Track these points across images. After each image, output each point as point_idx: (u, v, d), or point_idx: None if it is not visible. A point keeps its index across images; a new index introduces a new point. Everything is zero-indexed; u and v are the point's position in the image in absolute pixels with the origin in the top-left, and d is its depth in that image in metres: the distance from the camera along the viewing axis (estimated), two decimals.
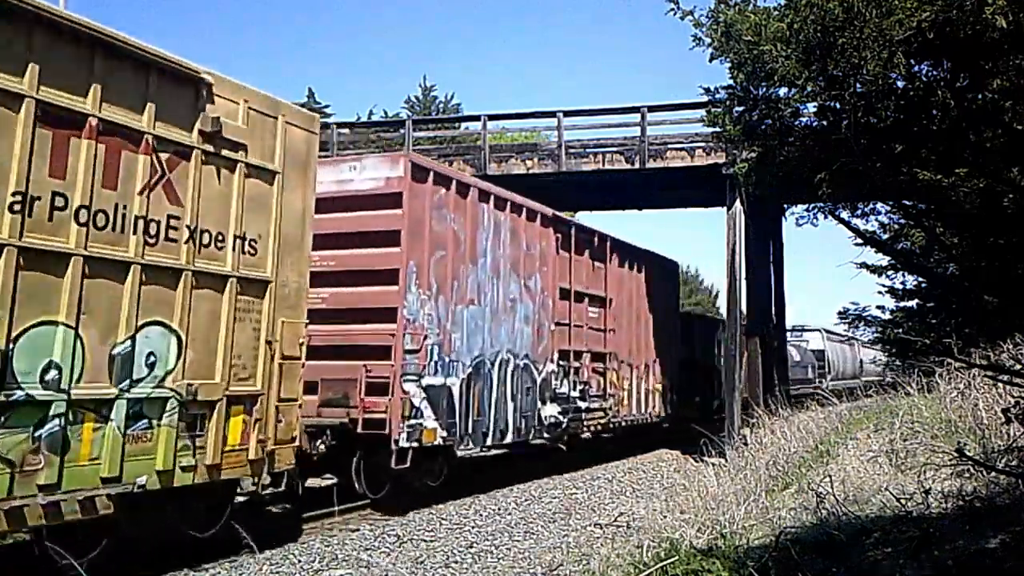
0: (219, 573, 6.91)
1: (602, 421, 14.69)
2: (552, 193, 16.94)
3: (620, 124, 17.23)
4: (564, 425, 13.20)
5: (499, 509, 10.26)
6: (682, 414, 18.53)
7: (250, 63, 77.63)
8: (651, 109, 16.79)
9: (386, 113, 39.43)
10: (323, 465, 9.63)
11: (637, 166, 16.53)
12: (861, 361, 37.72)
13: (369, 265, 9.72)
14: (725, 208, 16.35)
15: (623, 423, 15.76)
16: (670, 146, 16.54)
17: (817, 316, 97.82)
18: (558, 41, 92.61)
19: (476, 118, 18.89)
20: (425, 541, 8.35)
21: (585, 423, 14.03)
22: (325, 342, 9.39)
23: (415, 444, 9.57)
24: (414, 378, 9.67)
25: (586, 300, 14.16)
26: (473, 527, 9.14)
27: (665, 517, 6.98)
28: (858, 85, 5.11)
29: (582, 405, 13.81)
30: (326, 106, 37.76)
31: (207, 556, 7.11)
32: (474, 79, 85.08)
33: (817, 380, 29.52)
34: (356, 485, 9.38)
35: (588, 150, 17.08)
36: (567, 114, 17.38)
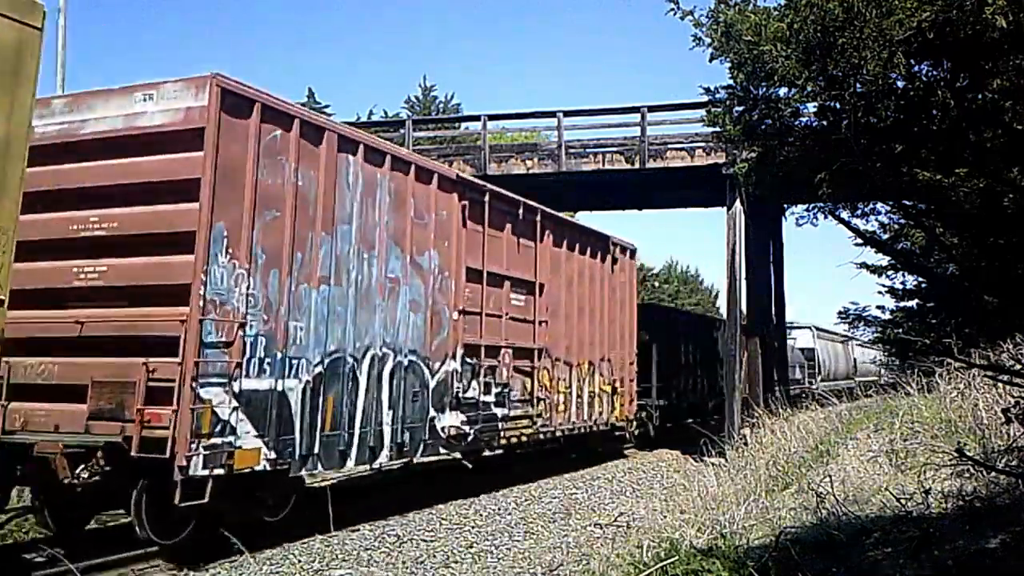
0: (219, 573, 6.92)
1: (528, 431, 12.11)
2: (552, 193, 16.96)
3: (620, 124, 17.27)
4: (471, 437, 10.67)
5: (499, 509, 10.26)
6: (641, 419, 17.12)
7: (250, 63, 77.71)
8: (651, 109, 16.82)
9: (386, 113, 39.45)
10: (97, 498, 7.44)
11: (637, 166, 16.56)
12: (855, 360, 36.33)
13: (158, 227, 7.30)
14: (725, 208, 16.38)
15: (559, 433, 13.27)
16: (670, 146, 16.57)
17: (817, 316, 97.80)
18: (558, 41, 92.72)
19: (476, 118, 18.92)
20: (425, 541, 8.35)
21: (504, 434, 11.49)
22: (100, 331, 7.29)
23: (219, 471, 7.07)
24: (220, 381, 7.14)
25: (507, 284, 11.70)
26: (473, 527, 9.14)
27: (665, 517, 6.99)
28: (858, 85, 5.11)
29: (498, 412, 11.31)
30: (326, 106, 37.76)
31: (207, 556, 7.11)
32: (474, 79, 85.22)
33: (807, 381, 28.18)
34: (136, 528, 6.88)
35: (588, 150, 17.10)
36: (567, 114, 17.42)
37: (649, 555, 5.06)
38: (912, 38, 4.70)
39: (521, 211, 12.23)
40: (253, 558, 7.08)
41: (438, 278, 10.25)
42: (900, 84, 5.22)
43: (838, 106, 5.43)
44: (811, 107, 6.03)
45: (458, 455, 11.01)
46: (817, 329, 31.03)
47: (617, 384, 15.39)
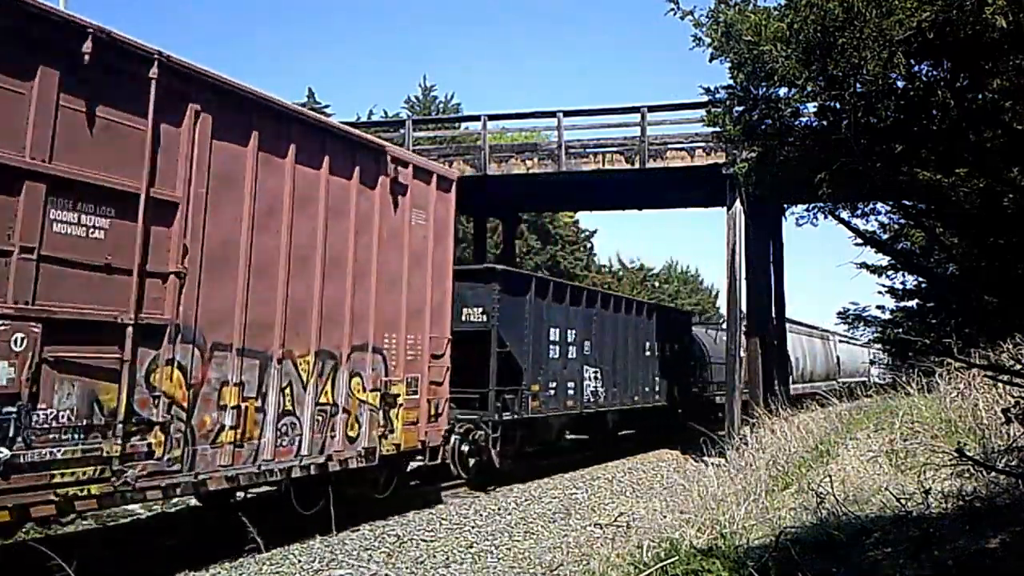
0: (219, 573, 6.92)
1: (94, 488, 6.08)
2: (552, 193, 16.98)
3: (620, 124, 17.29)
4: None
5: (499, 509, 10.26)
6: (474, 442, 11.69)
7: (251, 63, 77.66)
8: (651, 109, 16.84)
9: (386, 113, 39.40)
10: None
11: (637, 166, 16.58)
12: (838, 359, 32.71)
13: None
14: (725, 208, 16.39)
15: (216, 482, 7.14)
16: (670, 146, 16.58)
17: (817, 316, 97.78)
18: (558, 41, 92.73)
19: (476, 118, 18.93)
20: (425, 541, 8.35)
21: None
22: None
23: None
24: None
25: (30, 191, 5.76)
26: (473, 527, 9.14)
27: (665, 517, 7.00)
28: (858, 85, 5.12)
29: None
30: (326, 106, 37.74)
31: (207, 557, 7.12)
32: (474, 79, 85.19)
33: None
34: None
35: (588, 150, 17.12)
36: (567, 114, 17.43)
37: (649, 555, 5.06)
38: (912, 38, 4.70)
39: (91, 45, 6.12)
40: (253, 558, 7.09)
41: None
42: (900, 84, 5.22)
43: (838, 106, 5.43)
44: (811, 107, 6.03)
45: None
46: (789, 322, 25.01)
47: (399, 390, 9.51)
